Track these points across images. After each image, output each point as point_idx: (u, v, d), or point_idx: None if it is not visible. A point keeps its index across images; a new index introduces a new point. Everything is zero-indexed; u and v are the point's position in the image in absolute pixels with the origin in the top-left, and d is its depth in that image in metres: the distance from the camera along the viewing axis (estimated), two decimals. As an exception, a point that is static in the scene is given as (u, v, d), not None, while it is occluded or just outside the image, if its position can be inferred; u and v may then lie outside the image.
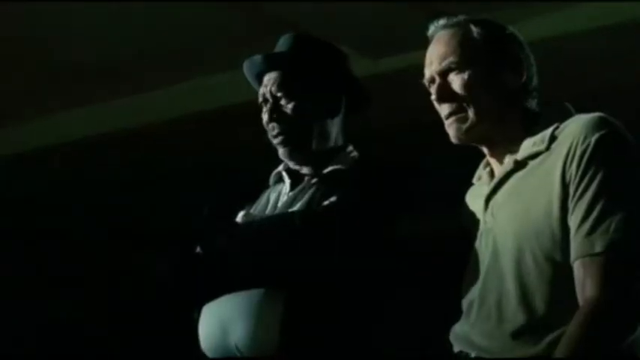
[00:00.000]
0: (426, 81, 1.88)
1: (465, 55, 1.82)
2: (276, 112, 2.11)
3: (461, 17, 1.87)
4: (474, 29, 1.84)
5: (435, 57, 1.85)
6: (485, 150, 1.90)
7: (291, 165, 2.16)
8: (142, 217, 6.46)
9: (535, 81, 1.86)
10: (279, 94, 2.11)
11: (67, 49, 4.35)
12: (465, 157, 1.98)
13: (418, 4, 3.68)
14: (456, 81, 1.82)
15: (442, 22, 1.88)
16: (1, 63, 4.53)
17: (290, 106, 2.10)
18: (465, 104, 1.82)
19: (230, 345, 1.98)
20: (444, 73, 1.84)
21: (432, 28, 1.89)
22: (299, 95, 2.10)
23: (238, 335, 1.96)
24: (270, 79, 2.14)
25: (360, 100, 2.20)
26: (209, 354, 2.05)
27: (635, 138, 1.74)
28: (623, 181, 1.67)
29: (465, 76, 1.81)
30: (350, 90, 2.17)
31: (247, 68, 2.20)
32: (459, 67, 1.82)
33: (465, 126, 1.82)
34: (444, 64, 1.83)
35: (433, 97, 1.85)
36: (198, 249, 2.07)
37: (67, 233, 7.01)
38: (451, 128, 1.85)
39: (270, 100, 2.12)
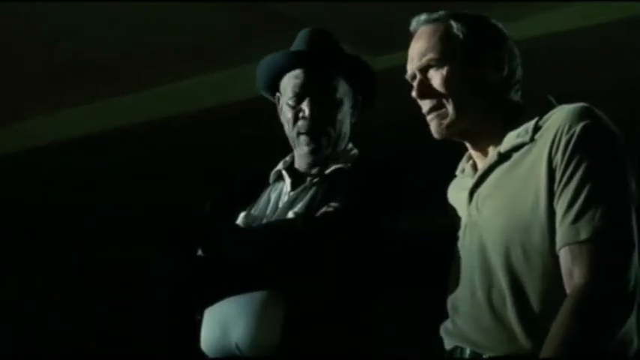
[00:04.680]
0: (408, 77, 1.89)
1: (444, 52, 1.82)
2: (325, 118, 2.11)
3: (442, 12, 1.87)
4: (455, 24, 1.84)
5: (416, 53, 1.86)
6: (467, 144, 1.90)
7: (298, 166, 2.16)
8: (143, 216, 6.45)
9: (518, 74, 1.86)
10: (330, 99, 2.12)
11: (70, 46, 4.36)
12: (463, 153, 1.98)
13: (417, 1, 3.68)
14: (435, 77, 1.83)
15: (424, 17, 1.88)
16: (2, 61, 4.53)
17: (337, 114, 2.12)
18: (444, 100, 1.82)
19: (231, 345, 1.99)
20: (424, 70, 1.84)
21: (413, 24, 1.89)
22: (341, 100, 2.13)
23: (239, 335, 1.97)
24: (309, 81, 2.12)
25: (369, 100, 2.22)
26: (210, 354, 2.05)
27: (634, 135, 1.75)
28: (607, 170, 1.67)
29: (444, 72, 1.81)
30: (366, 90, 2.19)
31: (275, 62, 2.17)
32: (437, 64, 1.82)
33: (445, 122, 1.83)
34: (424, 60, 1.84)
35: (414, 93, 1.86)
36: (200, 251, 2.07)
37: (68, 232, 7.01)
38: (432, 124, 1.85)
39: (318, 104, 2.12)
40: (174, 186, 5.89)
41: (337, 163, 2.11)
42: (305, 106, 2.11)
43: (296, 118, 2.12)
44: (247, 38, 3.92)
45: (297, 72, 2.12)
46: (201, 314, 2.08)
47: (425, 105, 1.85)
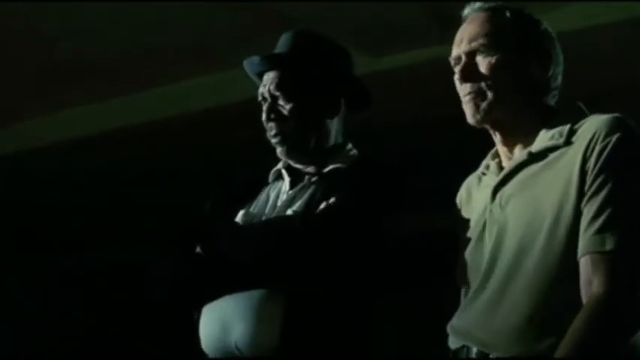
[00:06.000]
0: (452, 59, 1.87)
1: (496, 39, 1.81)
2: (274, 112, 2.11)
3: (499, 2, 1.87)
4: (509, 16, 1.84)
5: (466, 37, 1.84)
6: (497, 137, 1.88)
7: (291, 163, 2.16)
8: (143, 216, 6.45)
9: (559, 80, 1.86)
10: (277, 94, 2.11)
11: (70, 46, 4.35)
12: (463, 155, 1.98)
13: (418, 2, 3.68)
14: (482, 63, 1.82)
15: (479, 4, 1.88)
16: (3, 61, 4.53)
17: (288, 106, 2.10)
18: (486, 86, 1.81)
19: (230, 344, 1.98)
20: (471, 54, 1.83)
21: (467, 9, 1.88)
22: (297, 95, 2.10)
23: (238, 335, 1.96)
24: (268, 78, 2.13)
25: (360, 98, 2.20)
26: (210, 353, 2.05)
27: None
28: (638, 183, 1.67)
29: (493, 59, 1.81)
30: (350, 89, 2.17)
31: (247, 67, 2.20)
32: (487, 50, 1.81)
33: (482, 105, 1.81)
34: (474, 44, 1.83)
35: (456, 76, 1.85)
36: (198, 249, 2.07)
37: (68, 232, 7.01)
38: (468, 107, 1.84)
39: (269, 99, 2.12)
40: (174, 186, 5.89)
41: (336, 163, 2.11)
42: (263, 111, 2.14)
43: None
44: (247, 38, 3.91)
45: (264, 77, 2.15)
46: (199, 313, 2.07)
47: (465, 88, 1.84)
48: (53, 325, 7.16)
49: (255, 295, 1.96)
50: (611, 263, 1.62)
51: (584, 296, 1.64)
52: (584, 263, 1.65)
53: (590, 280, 1.63)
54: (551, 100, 1.86)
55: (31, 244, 7.19)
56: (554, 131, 1.77)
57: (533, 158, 1.78)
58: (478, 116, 1.83)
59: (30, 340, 6.98)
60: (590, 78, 4.23)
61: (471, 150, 1.97)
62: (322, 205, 2.00)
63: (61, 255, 7.31)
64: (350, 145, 2.17)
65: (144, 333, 6.63)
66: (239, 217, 2.13)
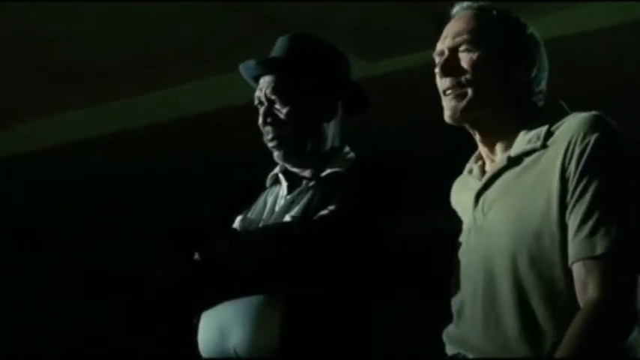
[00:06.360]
0: (435, 55, 1.86)
1: (479, 37, 1.81)
2: (271, 116, 2.11)
3: (487, 2, 1.87)
4: (496, 16, 1.84)
5: (451, 32, 1.84)
6: (477, 137, 1.87)
7: (288, 167, 2.16)
8: (143, 217, 6.45)
9: (542, 85, 1.85)
10: (273, 98, 2.11)
11: (70, 48, 4.35)
12: (462, 157, 1.98)
13: (417, 5, 3.68)
14: (464, 59, 1.80)
15: (467, 3, 1.87)
16: (3, 63, 4.53)
17: (284, 110, 2.10)
18: (466, 82, 1.79)
19: (228, 349, 1.98)
20: (454, 49, 1.82)
21: (456, 8, 1.88)
22: (293, 99, 2.10)
23: (237, 340, 1.97)
24: (265, 82, 2.14)
25: (357, 102, 2.20)
26: (207, 357, 2.05)
27: (636, 140, 1.74)
28: (622, 184, 1.66)
29: (474, 56, 1.80)
30: (347, 93, 2.17)
31: (243, 71, 2.20)
32: (470, 46, 1.80)
33: (461, 104, 1.80)
34: (457, 39, 1.82)
35: (437, 69, 1.84)
36: (197, 255, 2.07)
37: (68, 233, 7.01)
38: (447, 104, 1.82)
39: (265, 103, 2.13)
40: (174, 188, 5.89)
41: (334, 167, 2.11)
42: (259, 115, 2.14)
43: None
44: (247, 39, 3.91)
45: (260, 81, 2.16)
46: (198, 318, 2.08)
47: (444, 83, 1.82)
48: (53, 325, 7.16)
49: (253, 300, 1.97)
50: (604, 267, 1.61)
51: (580, 301, 1.64)
52: (577, 269, 1.64)
53: (584, 285, 1.63)
54: (536, 104, 1.84)
55: (31, 244, 7.19)
56: (532, 134, 1.76)
57: (513, 162, 1.77)
58: (457, 115, 1.81)
59: (30, 340, 6.98)
60: (592, 79, 4.24)
61: (470, 152, 1.97)
62: (321, 211, 2.00)
63: (61, 255, 7.31)
64: (347, 149, 2.17)
65: (144, 333, 6.62)
66: (236, 222, 2.13)
